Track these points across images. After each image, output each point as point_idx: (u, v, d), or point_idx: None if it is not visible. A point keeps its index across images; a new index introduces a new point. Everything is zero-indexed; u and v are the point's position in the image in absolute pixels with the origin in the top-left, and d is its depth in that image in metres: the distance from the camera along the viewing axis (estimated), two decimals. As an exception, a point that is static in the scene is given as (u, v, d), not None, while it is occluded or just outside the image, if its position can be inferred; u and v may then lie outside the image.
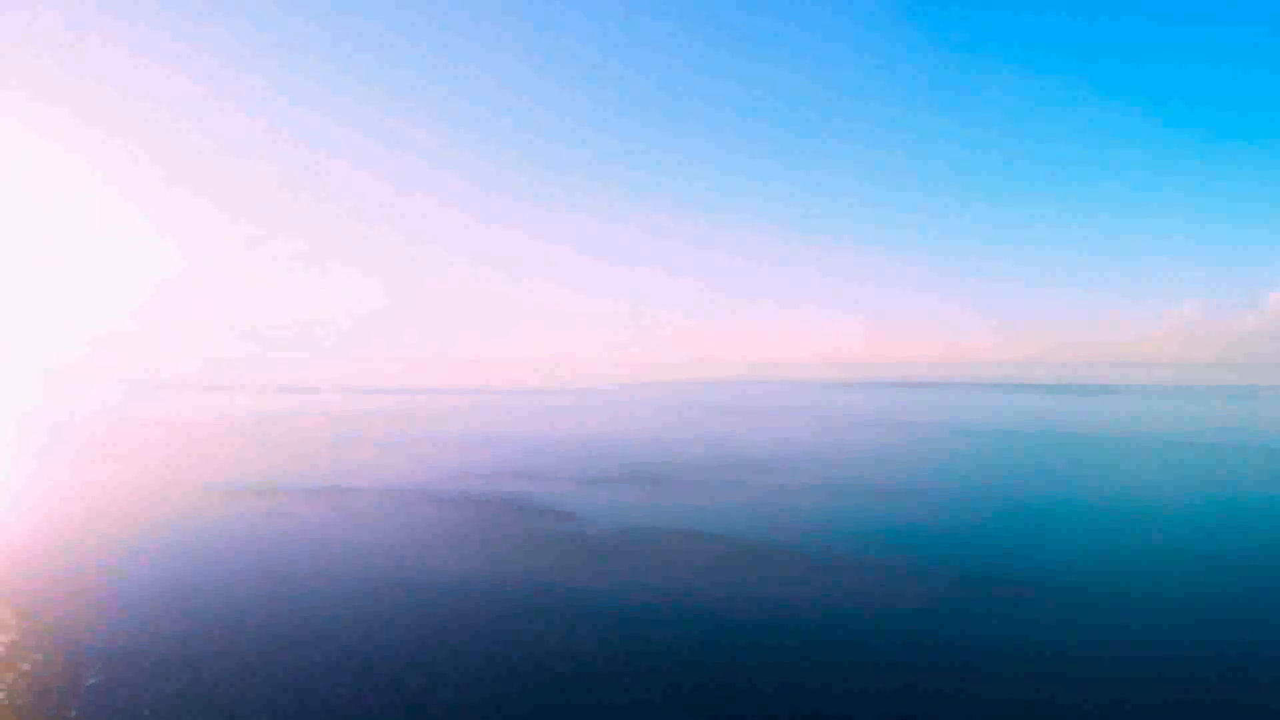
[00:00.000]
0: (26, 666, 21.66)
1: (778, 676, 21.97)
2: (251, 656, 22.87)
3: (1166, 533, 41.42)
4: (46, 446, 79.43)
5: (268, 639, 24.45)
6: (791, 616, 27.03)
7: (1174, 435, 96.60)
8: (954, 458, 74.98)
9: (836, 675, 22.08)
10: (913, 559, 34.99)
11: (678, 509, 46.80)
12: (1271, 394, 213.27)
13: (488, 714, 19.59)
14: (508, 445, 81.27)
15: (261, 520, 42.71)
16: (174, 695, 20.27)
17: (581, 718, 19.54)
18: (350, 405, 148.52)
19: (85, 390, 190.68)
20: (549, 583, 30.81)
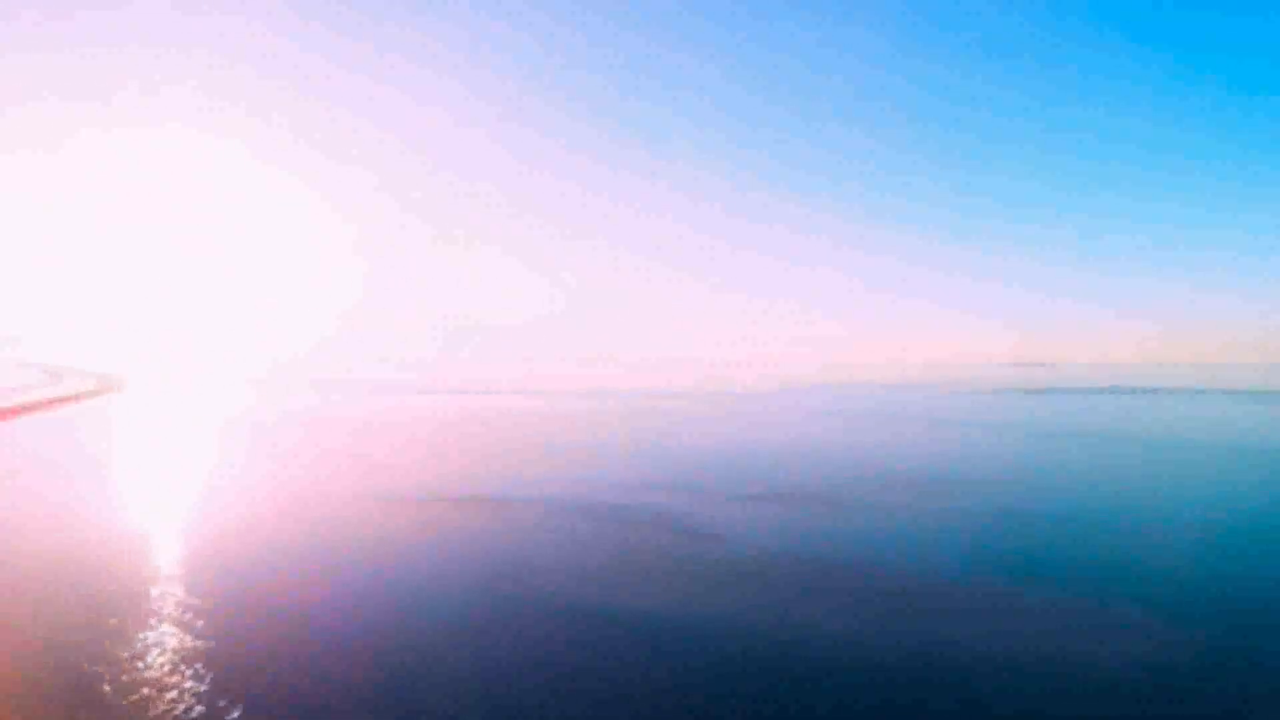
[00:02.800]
0: (173, 694, 21.33)
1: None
2: (386, 684, 21.61)
3: None
4: (231, 453, 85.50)
5: (410, 664, 23.23)
6: (957, 670, 22.77)
7: None
8: (1139, 472, 65.62)
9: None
10: (1117, 601, 29.38)
11: (841, 534, 42.81)
12: None
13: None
14: (669, 453, 79.52)
15: (417, 532, 42.81)
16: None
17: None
18: (521, 407, 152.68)
19: (280, 394, 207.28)
20: (685, 616, 28.15)
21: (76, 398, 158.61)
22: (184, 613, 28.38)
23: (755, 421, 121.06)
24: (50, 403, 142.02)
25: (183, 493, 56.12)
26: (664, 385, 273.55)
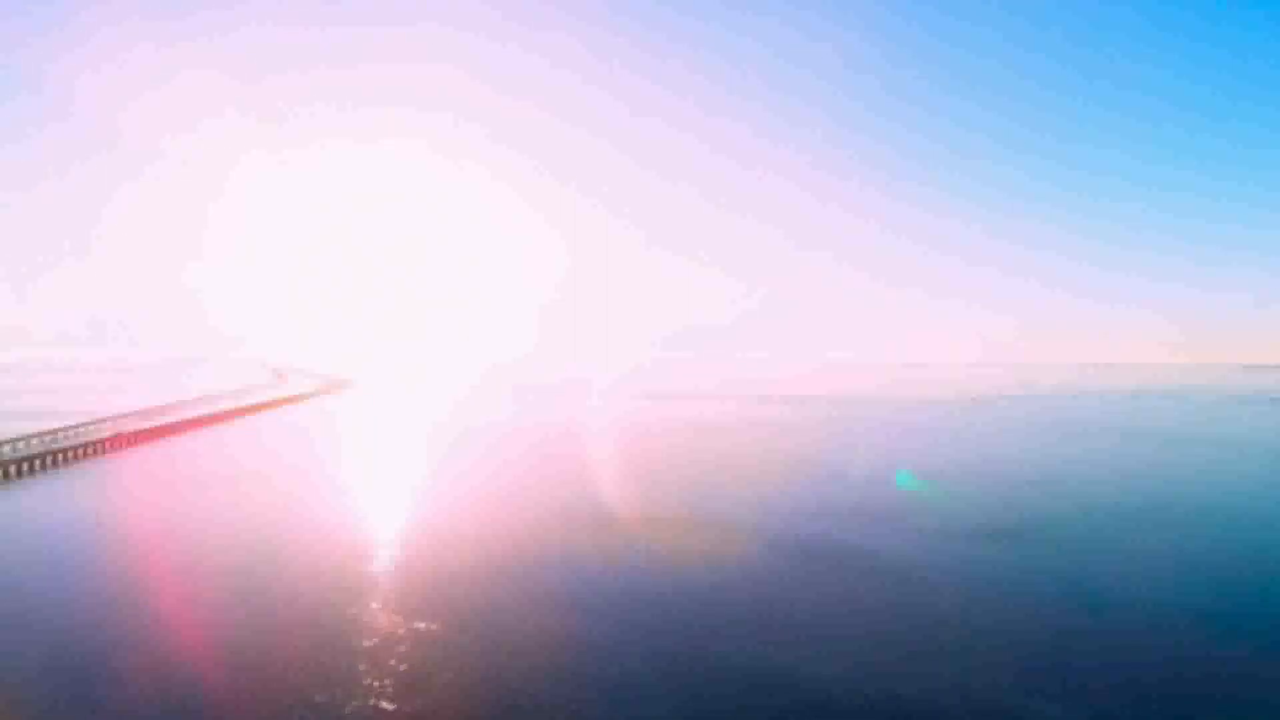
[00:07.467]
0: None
1: None
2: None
3: None
4: (443, 456, 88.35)
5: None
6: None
7: None
8: None
9: None
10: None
11: (1064, 584, 36.86)
12: None
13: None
14: (864, 470, 75.09)
15: (579, 556, 42.18)
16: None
17: None
18: (711, 414, 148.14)
19: (491, 397, 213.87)
20: (871, 692, 25.17)
21: (303, 398, 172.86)
22: (406, 603, 30.66)
23: (959, 435, 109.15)
24: (281, 402, 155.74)
25: (402, 490, 61.19)
26: (865, 391, 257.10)
